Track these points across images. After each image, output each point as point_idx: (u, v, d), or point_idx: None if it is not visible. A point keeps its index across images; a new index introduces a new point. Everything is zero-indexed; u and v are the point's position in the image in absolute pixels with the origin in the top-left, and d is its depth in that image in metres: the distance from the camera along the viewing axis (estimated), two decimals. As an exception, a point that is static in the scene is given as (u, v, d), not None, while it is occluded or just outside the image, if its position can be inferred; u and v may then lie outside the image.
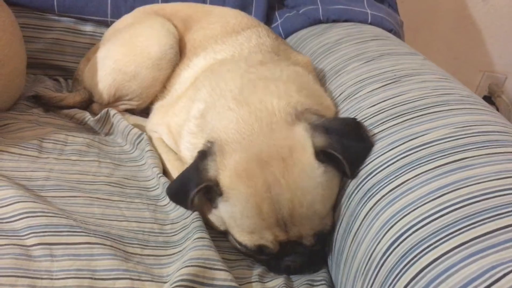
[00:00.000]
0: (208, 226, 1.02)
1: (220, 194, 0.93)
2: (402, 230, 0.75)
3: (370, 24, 1.64)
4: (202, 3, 1.68)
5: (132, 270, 0.88)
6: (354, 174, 0.93)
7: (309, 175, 0.89)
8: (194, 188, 0.94)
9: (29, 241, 0.88)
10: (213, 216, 1.03)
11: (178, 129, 1.16)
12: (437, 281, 0.66)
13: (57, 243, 0.89)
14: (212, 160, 0.93)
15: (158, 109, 1.36)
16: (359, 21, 1.65)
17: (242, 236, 0.94)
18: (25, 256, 0.86)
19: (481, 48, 2.58)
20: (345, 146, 0.92)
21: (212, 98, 1.07)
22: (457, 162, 0.80)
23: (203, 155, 0.95)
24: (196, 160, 0.97)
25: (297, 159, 0.90)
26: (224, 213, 0.95)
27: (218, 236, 1.04)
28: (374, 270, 0.78)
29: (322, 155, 0.92)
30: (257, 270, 0.98)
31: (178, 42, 1.40)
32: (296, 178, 0.89)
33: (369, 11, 1.66)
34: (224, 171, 0.92)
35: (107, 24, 1.68)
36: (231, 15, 1.47)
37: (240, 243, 0.96)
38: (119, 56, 1.38)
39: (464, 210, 0.72)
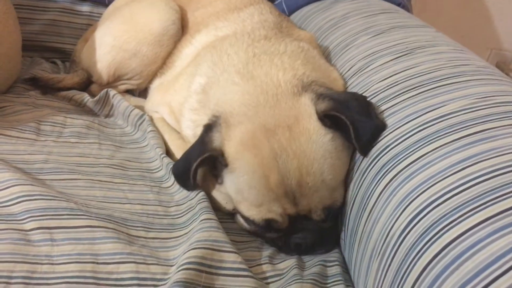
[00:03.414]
0: (215, 208, 0.99)
1: (226, 165, 0.91)
2: (422, 206, 0.71)
3: (377, -2, 1.58)
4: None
5: (136, 254, 0.85)
6: (363, 146, 0.89)
7: (316, 142, 0.88)
8: (198, 159, 0.92)
9: (28, 225, 0.85)
10: (219, 194, 1.00)
11: (179, 107, 1.14)
12: (462, 259, 0.62)
13: (57, 226, 0.86)
14: (217, 132, 0.92)
15: (157, 88, 1.34)
16: (366, -5, 1.59)
17: (250, 210, 0.91)
18: (24, 241, 0.83)
19: (489, 25, 2.53)
20: (352, 114, 0.89)
21: (214, 72, 1.05)
22: (478, 133, 0.76)
23: (208, 128, 0.94)
24: (201, 134, 0.95)
25: (303, 126, 0.89)
26: (231, 186, 0.93)
27: (226, 217, 1.00)
28: (392, 249, 0.74)
29: (328, 121, 0.90)
30: (267, 252, 0.94)
31: (180, 18, 1.36)
32: (302, 146, 0.87)
33: (376, -15, 1.60)
34: (230, 142, 0.90)
35: (104, 4, 1.64)
36: (234, -9, 1.43)
37: (247, 219, 0.94)
38: (119, 33, 1.35)
39: (488, 183, 0.68)
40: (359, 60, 1.12)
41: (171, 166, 1.05)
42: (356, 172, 0.92)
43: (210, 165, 0.95)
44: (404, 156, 0.81)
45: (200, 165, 0.95)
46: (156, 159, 1.12)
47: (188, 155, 0.97)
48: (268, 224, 0.92)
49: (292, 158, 0.86)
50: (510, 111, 0.79)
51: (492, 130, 0.76)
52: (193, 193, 0.99)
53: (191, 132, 1.06)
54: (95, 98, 1.34)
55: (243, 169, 0.89)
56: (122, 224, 0.91)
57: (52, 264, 0.80)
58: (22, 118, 1.21)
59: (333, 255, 0.95)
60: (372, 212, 0.82)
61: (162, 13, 1.33)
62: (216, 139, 0.92)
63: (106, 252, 0.83)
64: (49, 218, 0.86)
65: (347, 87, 1.09)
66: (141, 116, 1.25)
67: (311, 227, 0.92)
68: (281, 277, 0.89)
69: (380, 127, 0.89)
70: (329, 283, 0.89)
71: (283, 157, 0.86)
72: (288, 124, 0.88)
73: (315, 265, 0.91)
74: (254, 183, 0.88)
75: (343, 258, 0.95)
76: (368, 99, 0.97)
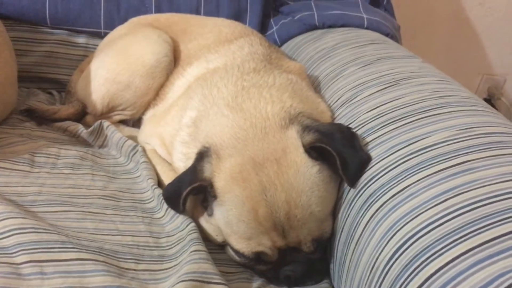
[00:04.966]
0: (205, 239, 0.99)
1: (215, 196, 0.92)
2: (406, 237, 0.73)
3: (367, 28, 1.62)
4: (196, 13, 1.66)
5: (126, 287, 0.85)
6: (350, 176, 0.91)
7: (303, 174, 0.89)
8: (188, 187, 0.94)
9: (19, 259, 0.85)
10: (210, 226, 1.01)
11: (171, 139, 1.15)
12: (445, 290, 0.63)
13: (48, 260, 0.86)
14: (208, 162, 0.93)
15: (149, 119, 1.35)
16: (355, 26, 1.63)
17: (240, 243, 0.91)
18: (14, 275, 0.83)
19: (479, 51, 2.57)
20: (337, 146, 0.91)
21: (204, 106, 1.06)
22: (460, 165, 0.78)
23: (200, 157, 0.95)
24: (194, 161, 0.97)
25: (291, 159, 0.90)
26: (220, 219, 0.94)
27: (215, 248, 1.01)
28: (378, 279, 0.75)
29: (315, 153, 0.91)
30: (257, 283, 0.95)
31: (172, 51, 1.38)
32: (290, 179, 0.88)
33: (365, 16, 1.64)
34: (219, 174, 0.91)
35: (100, 36, 1.66)
36: (225, 25, 1.47)
37: (237, 252, 0.94)
38: (113, 65, 1.37)
39: (469, 214, 0.70)
40: (347, 91, 1.14)
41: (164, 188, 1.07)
42: (343, 202, 0.93)
43: (200, 194, 0.96)
44: (389, 187, 0.82)
45: (190, 193, 0.96)
46: (148, 190, 1.13)
47: (180, 180, 0.99)
48: (258, 257, 0.92)
49: (280, 192, 0.87)
50: (490, 143, 0.81)
51: (472, 162, 0.77)
52: (184, 224, 1.00)
53: (183, 164, 1.07)
54: (89, 129, 1.35)
55: (232, 202, 0.89)
56: (112, 256, 0.91)
57: (43, 298, 0.80)
58: (17, 149, 1.22)
59: (322, 286, 0.95)
60: (359, 242, 0.83)
61: (155, 46, 1.35)
62: (207, 169, 0.93)
63: (96, 285, 0.83)
64: (40, 251, 0.86)
65: (335, 118, 1.11)
66: (134, 147, 1.26)
67: (300, 259, 0.92)
68: (271, 308, 0.89)
69: (365, 159, 0.91)
70: (319, 314, 0.89)
71: (271, 190, 0.87)
72: (276, 158, 0.89)
73: (304, 296, 0.91)
74: (243, 217, 0.88)
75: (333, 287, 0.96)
76: (352, 131, 0.98)
